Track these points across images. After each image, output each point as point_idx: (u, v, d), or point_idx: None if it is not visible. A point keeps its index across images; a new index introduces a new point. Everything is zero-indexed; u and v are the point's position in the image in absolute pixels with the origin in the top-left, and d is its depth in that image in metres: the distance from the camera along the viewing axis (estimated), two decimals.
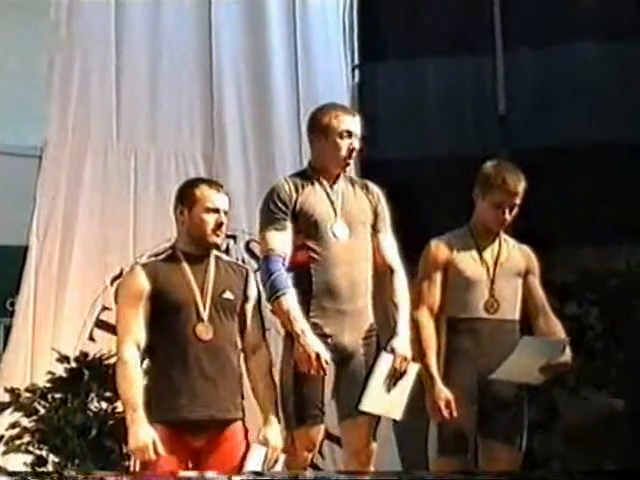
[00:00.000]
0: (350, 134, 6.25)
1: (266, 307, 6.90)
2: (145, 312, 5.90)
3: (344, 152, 6.26)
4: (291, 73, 8.70)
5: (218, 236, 6.04)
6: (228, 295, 6.01)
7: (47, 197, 8.01)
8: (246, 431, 5.93)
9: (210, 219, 6.00)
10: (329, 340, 6.19)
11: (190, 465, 5.95)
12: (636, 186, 8.94)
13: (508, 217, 6.68)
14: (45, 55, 8.24)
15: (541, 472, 6.94)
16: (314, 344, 6.06)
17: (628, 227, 8.94)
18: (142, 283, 5.92)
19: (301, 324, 6.11)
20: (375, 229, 6.39)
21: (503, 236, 6.84)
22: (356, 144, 6.28)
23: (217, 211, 6.02)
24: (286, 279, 6.13)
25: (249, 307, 6.15)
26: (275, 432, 6.08)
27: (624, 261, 8.63)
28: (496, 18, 9.42)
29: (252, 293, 6.18)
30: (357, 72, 9.65)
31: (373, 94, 9.53)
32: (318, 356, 6.02)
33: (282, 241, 6.17)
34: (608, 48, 9.21)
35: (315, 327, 6.17)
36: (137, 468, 5.96)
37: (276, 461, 6.06)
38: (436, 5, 9.45)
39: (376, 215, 6.41)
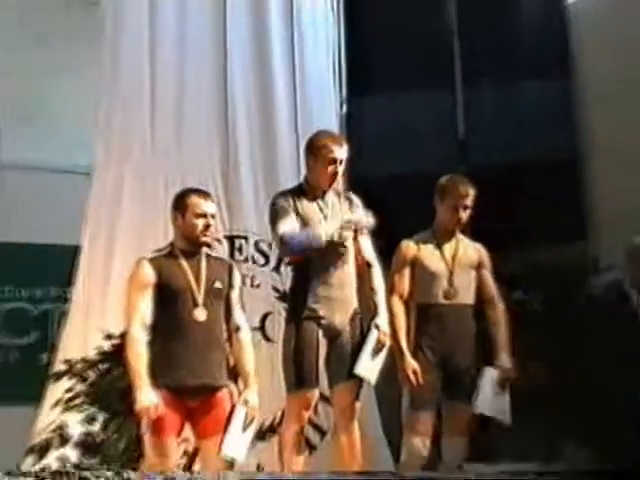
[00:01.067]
0: (336, 161, 6.65)
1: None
2: (150, 298, 6.24)
3: (330, 176, 6.68)
4: (291, 108, 8.99)
5: (206, 236, 6.38)
6: (218, 284, 6.40)
7: (95, 208, 8.26)
8: (231, 396, 6.30)
9: (199, 222, 6.35)
10: (323, 321, 6.63)
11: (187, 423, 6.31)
12: (570, 195, 9.41)
13: (463, 216, 7.08)
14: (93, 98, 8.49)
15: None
16: (309, 330, 6.59)
17: (565, 230, 9.29)
18: (149, 274, 6.28)
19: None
20: (356, 232, 6.82)
21: (460, 236, 7.21)
22: (340, 169, 6.69)
23: (205, 216, 6.35)
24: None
25: (233, 294, 6.50)
26: (253, 394, 6.42)
27: (561, 257, 8.93)
28: (456, 59, 9.80)
29: (236, 283, 6.53)
30: (344, 104, 10.00)
31: (357, 122, 9.82)
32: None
33: (290, 225, 6.57)
34: (544, 84, 9.63)
35: (312, 311, 6.58)
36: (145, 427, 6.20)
37: (253, 419, 6.40)
38: (407, 48, 9.79)
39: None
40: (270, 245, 8.53)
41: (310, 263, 6.70)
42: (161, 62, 8.60)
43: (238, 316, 6.57)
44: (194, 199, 6.46)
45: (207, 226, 6.41)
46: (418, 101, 9.81)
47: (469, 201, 7.12)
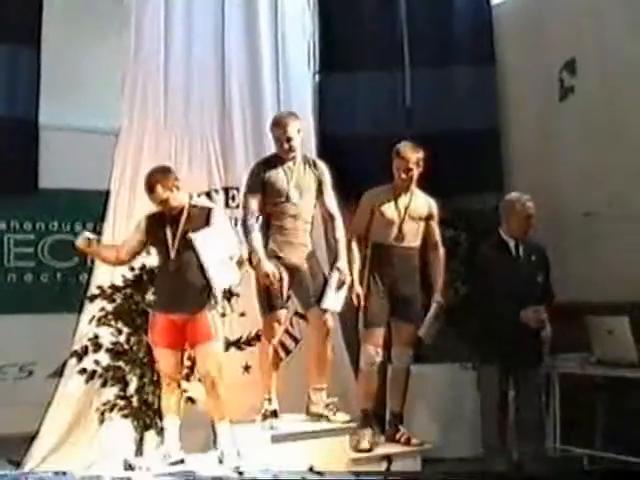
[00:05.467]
0: (286, 137, 6.78)
1: None
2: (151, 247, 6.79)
3: (285, 146, 6.79)
4: (274, 82, 8.83)
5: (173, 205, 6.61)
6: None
7: (120, 160, 8.14)
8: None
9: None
10: (282, 260, 6.75)
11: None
12: (490, 155, 9.43)
13: (405, 177, 7.08)
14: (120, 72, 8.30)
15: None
16: (267, 266, 6.61)
17: (486, 182, 9.31)
18: (144, 232, 6.73)
19: (260, 254, 6.65)
20: (320, 191, 6.83)
21: (416, 191, 7.22)
22: (292, 142, 6.80)
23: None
24: (253, 226, 6.70)
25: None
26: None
27: (482, 204, 8.92)
28: (405, 44, 9.67)
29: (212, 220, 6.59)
30: (317, 77, 9.82)
31: (327, 92, 9.71)
32: (267, 274, 6.59)
33: (254, 203, 6.69)
34: (472, 68, 9.64)
35: (273, 252, 6.71)
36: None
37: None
38: (367, 34, 9.67)
39: (320, 183, 6.85)
40: None
41: (271, 217, 6.80)
42: (173, 50, 8.39)
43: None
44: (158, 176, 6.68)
45: (165, 200, 6.61)
46: (375, 77, 9.66)
47: (412, 164, 7.08)
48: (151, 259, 7.50)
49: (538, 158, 9.08)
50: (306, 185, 6.86)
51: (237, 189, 8.38)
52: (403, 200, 7.16)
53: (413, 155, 7.09)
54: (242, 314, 7.79)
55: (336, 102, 9.55)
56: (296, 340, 8.28)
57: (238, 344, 7.93)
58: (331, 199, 6.98)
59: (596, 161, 8.56)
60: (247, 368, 8.05)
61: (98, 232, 8.19)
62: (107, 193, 8.17)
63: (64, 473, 6.64)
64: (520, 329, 7.03)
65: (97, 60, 8.86)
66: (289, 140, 6.78)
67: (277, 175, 6.82)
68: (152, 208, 6.84)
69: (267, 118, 8.39)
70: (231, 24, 8.65)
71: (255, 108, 8.70)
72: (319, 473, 6.37)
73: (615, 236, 8.31)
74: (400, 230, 7.13)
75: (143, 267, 7.49)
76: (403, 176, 7.09)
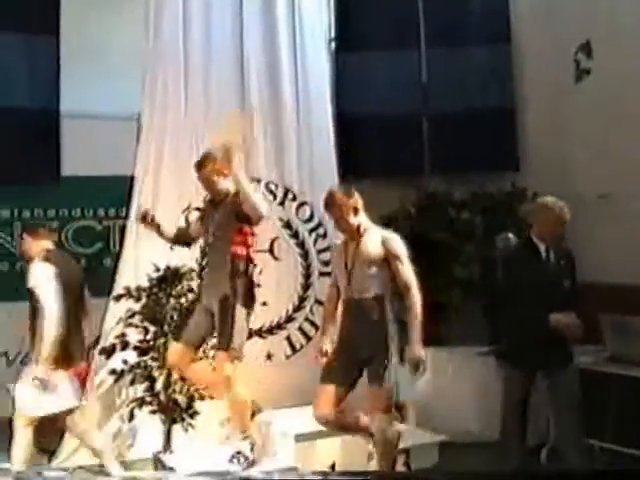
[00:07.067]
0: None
1: None
2: None
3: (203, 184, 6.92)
4: (293, 64, 8.70)
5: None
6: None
7: (144, 151, 8.11)
8: None
9: None
10: (203, 302, 6.75)
11: None
12: (506, 135, 9.45)
13: (346, 227, 6.33)
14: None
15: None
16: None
17: (502, 162, 9.39)
18: None
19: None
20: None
21: (369, 231, 6.34)
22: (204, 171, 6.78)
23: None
24: None
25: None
26: None
27: (498, 185, 9.04)
28: (421, 25, 9.67)
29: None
30: (334, 57, 9.78)
31: (344, 73, 9.72)
32: None
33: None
34: (488, 48, 9.62)
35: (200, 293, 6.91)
36: None
37: None
38: (383, 15, 9.65)
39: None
40: (276, 185, 8.51)
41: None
42: (191, 44, 8.30)
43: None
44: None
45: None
46: (391, 56, 9.66)
47: (347, 209, 6.31)
48: (175, 259, 7.68)
49: (553, 138, 9.13)
50: (222, 222, 6.57)
51: (258, 180, 8.36)
52: (352, 245, 6.32)
53: (348, 200, 6.32)
54: (264, 303, 7.86)
55: (353, 82, 9.56)
56: (316, 326, 8.38)
57: (260, 333, 8.11)
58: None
59: (610, 142, 8.58)
60: (269, 357, 8.23)
61: (121, 218, 8.55)
62: (130, 179, 8.12)
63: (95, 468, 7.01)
64: (547, 332, 6.63)
65: (117, 45, 8.88)
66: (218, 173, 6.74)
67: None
68: (174, 201, 7.54)
69: (285, 104, 8.62)
70: (248, 6, 8.54)
71: (274, 101, 8.62)
72: (343, 473, 6.26)
73: (628, 218, 8.39)
74: (350, 279, 6.29)
75: (168, 268, 7.62)
76: (344, 226, 6.39)
